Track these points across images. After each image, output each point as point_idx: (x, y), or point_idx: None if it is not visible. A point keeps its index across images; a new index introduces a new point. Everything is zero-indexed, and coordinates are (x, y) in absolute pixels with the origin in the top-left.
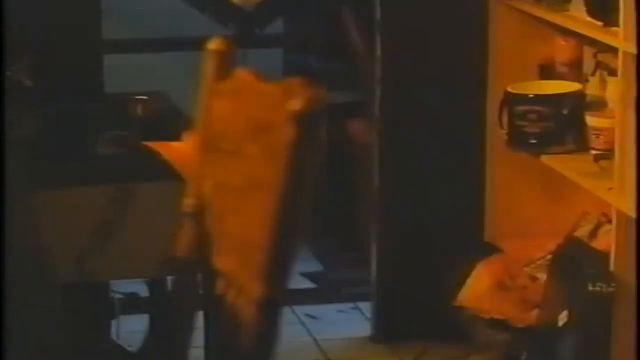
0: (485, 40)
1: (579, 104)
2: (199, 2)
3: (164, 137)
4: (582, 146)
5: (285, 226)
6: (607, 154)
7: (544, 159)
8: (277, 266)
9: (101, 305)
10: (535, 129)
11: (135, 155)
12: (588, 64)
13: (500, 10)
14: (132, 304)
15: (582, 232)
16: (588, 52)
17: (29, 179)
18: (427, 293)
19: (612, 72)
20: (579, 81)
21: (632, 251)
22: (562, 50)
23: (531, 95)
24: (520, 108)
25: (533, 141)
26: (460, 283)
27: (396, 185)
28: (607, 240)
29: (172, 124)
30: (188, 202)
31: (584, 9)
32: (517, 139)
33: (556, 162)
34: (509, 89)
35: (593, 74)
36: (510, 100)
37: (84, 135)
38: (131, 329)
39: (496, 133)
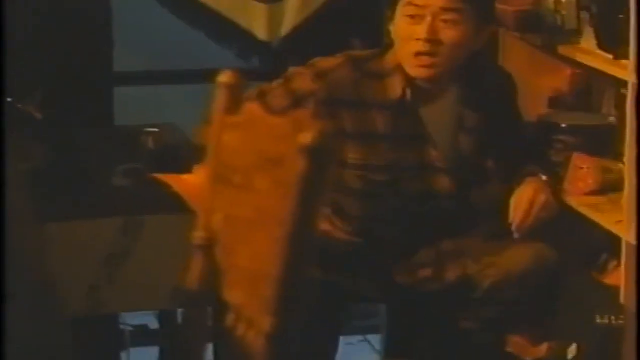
0: None
1: (608, 136)
2: (223, 37)
3: (174, 169)
4: None
5: (294, 259)
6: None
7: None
8: (287, 299)
9: (111, 337)
10: (560, 158)
11: (146, 187)
12: (597, 96)
13: (510, 42)
14: (141, 335)
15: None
16: (598, 84)
17: (38, 211)
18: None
19: None
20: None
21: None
22: (571, 82)
23: (563, 125)
24: (549, 137)
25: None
26: None
27: None
28: (616, 274)
29: (183, 156)
30: (198, 235)
31: (594, 41)
32: None
33: (566, 193)
34: (543, 118)
35: (616, 108)
36: (543, 128)
37: (94, 167)
38: None
39: None
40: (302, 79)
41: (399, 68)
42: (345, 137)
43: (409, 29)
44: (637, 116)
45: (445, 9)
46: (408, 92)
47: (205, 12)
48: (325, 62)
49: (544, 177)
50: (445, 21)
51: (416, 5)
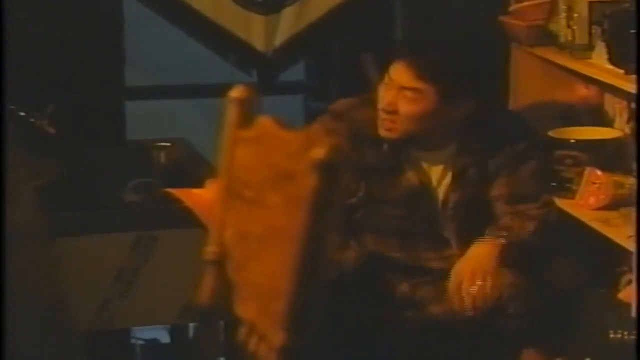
0: (507, 87)
1: (617, 150)
2: (222, 49)
3: (186, 184)
4: None
5: (306, 275)
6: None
7: (568, 204)
8: (299, 315)
9: (122, 351)
10: (570, 174)
11: (158, 202)
12: (609, 111)
13: (522, 58)
14: (153, 350)
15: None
16: (610, 99)
17: (50, 226)
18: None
19: None
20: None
21: None
22: (583, 97)
23: (572, 141)
24: (559, 153)
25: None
26: None
27: None
28: (629, 289)
29: (195, 171)
30: (210, 250)
31: (605, 56)
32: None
33: (577, 208)
34: (550, 134)
35: (628, 122)
36: (551, 145)
37: (106, 182)
38: None
39: None
40: (322, 122)
41: None
42: (370, 171)
43: (387, 96)
44: None
45: (405, 88)
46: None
47: (204, 23)
48: (339, 105)
49: (501, 240)
50: (405, 97)
51: (390, 79)
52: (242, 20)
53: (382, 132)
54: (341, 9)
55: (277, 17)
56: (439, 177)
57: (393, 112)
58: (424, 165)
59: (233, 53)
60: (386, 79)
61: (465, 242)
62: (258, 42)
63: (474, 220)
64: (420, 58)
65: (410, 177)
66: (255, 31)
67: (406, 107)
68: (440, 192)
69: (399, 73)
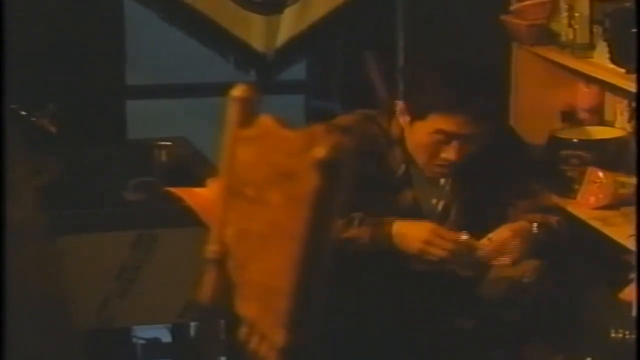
0: (507, 86)
1: (620, 150)
2: (222, 49)
3: (187, 183)
4: None
5: (307, 273)
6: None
7: (570, 203)
8: (300, 313)
9: (123, 351)
10: (575, 174)
11: (158, 201)
12: (611, 110)
13: (523, 57)
14: (154, 349)
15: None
16: (611, 98)
17: (51, 224)
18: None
19: None
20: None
21: None
22: (584, 96)
23: (575, 140)
24: (564, 152)
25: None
26: None
27: None
28: (630, 289)
29: (196, 169)
30: (211, 248)
31: (607, 55)
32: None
33: (579, 207)
34: (555, 134)
35: (629, 122)
36: (555, 145)
37: (107, 181)
38: None
39: None
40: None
41: (401, 143)
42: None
43: (437, 148)
44: None
45: (469, 135)
46: (403, 167)
47: (204, 23)
48: (345, 120)
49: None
50: (467, 142)
51: (446, 133)
52: (241, 20)
53: (433, 174)
54: (342, 9)
55: (278, 17)
56: (438, 192)
57: (451, 160)
58: (423, 182)
59: (233, 54)
60: (439, 137)
61: None
62: (258, 43)
63: (479, 225)
64: (467, 104)
65: (407, 195)
66: (255, 31)
67: (470, 149)
68: (440, 205)
69: (450, 124)
